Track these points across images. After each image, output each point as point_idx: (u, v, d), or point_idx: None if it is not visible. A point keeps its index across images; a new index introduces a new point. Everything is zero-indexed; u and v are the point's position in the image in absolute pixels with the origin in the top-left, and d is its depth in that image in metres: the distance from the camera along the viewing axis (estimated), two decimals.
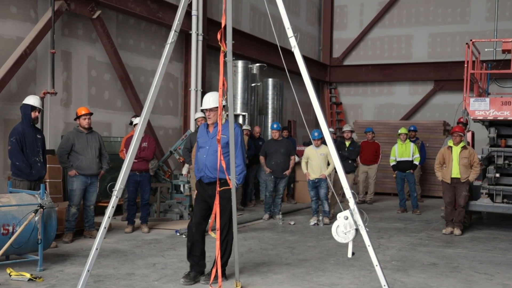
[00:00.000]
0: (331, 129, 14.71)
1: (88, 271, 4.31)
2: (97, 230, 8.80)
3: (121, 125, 12.52)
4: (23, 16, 10.12)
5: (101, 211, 10.43)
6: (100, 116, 11.62)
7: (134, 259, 7.42)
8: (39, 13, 10.38)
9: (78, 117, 8.89)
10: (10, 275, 6.22)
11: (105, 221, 4.48)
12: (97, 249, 4.36)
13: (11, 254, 6.79)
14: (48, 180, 9.58)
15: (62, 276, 6.41)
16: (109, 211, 4.55)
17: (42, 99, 9.91)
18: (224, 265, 6.17)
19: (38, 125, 8.78)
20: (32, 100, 8.02)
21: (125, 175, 4.62)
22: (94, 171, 8.82)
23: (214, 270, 5.54)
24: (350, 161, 12.35)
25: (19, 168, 7.81)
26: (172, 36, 4.86)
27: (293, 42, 4.61)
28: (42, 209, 6.62)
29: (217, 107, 5.87)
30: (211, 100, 6.18)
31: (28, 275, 6.15)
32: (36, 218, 6.56)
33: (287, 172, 11.52)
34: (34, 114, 8.01)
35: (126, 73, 12.33)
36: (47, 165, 8.56)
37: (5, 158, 9.56)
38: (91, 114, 8.97)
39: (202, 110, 6.34)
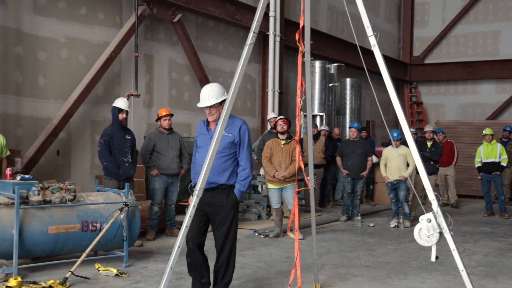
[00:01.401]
0: (412, 130, 14.37)
1: (171, 268, 4.43)
2: (178, 228, 9.09)
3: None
4: (109, 22, 10.56)
5: (181, 210, 10.68)
6: (180, 117, 11.93)
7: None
8: (123, 18, 10.80)
9: (159, 118, 9.16)
10: (99, 270, 6.52)
11: (187, 219, 4.59)
12: (179, 247, 4.47)
13: (99, 250, 7.09)
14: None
15: (146, 273, 6.63)
16: (190, 210, 4.65)
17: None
18: (226, 285, 5.44)
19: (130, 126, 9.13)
20: (119, 102, 8.39)
21: (206, 175, 4.71)
22: (174, 170, 9.06)
23: (293, 271, 5.52)
24: (432, 162, 12.03)
25: (107, 168, 8.19)
26: (251, 38, 4.91)
27: (372, 41, 4.56)
28: (127, 207, 6.87)
29: (219, 103, 5.26)
30: (210, 95, 5.30)
31: (114, 271, 6.41)
32: (122, 216, 6.81)
33: (364, 173, 11.36)
34: (121, 116, 8.36)
35: (205, 74, 12.58)
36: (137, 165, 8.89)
37: (93, 158, 10.02)
38: (171, 115, 9.22)
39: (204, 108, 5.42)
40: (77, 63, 9.98)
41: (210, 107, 5.28)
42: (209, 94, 5.29)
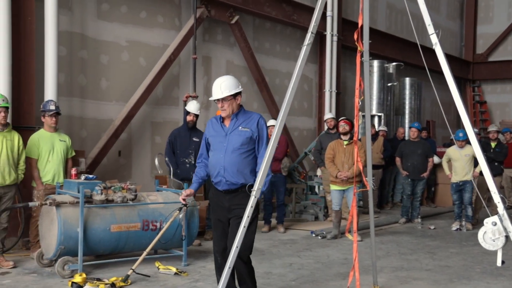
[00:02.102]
0: (475, 130, 13.95)
1: (230, 268, 4.47)
2: None
3: None
4: (169, 25, 10.75)
5: None
6: None
7: (271, 258, 7.59)
8: (182, 21, 10.97)
9: None
10: (159, 269, 6.65)
11: (245, 220, 4.61)
12: (237, 247, 4.50)
13: (159, 249, 7.23)
14: None
15: (204, 272, 6.71)
16: (248, 210, 4.68)
17: (184, 102, 10.46)
18: None
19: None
20: (190, 105, 8.57)
21: (263, 175, 4.74)
22: None
23: (352, 273, 5.45)
24: (496, 163, 11.65)
25: (170, 167, 8.36)
26: (308, 38, 4.90)
27: (434, 39, 4.46)
28: (185, 207, 6.96)
29: (232, 95, 4.87)
30: (223, 87, 4.88)
31: (174, 269, 6.53)
32: (180, 215, 6.92)
33: (425, 174, 11.12)
34: (188, 118, 8.54)
35: (262, 75, 12.63)
36: None
37: (153, 159, 10.20)
38: None
39: (214, 101, 5.00)
40: (138, 66, 10.21)
41: (222, 100, 4.86)
42: (222, 86, 4.88)
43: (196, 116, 8.67)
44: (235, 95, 4.88)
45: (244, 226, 4.51)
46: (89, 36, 9.43)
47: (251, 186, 4.67)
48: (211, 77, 11.73)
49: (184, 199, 5.08)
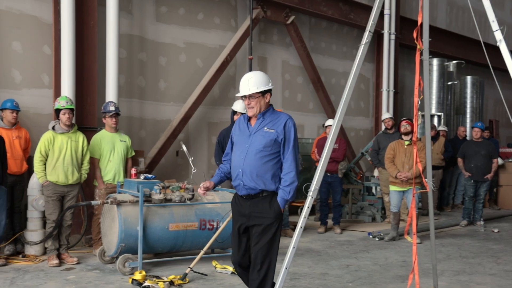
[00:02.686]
0: None
1: (286, 268, 4.47)
2: (291, 229, 9.18)
3: (313, 127, 12.80)
4: (225, 26, 10.86)
5: (293, 211, 10.78)
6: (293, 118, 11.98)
7: (327, 259, 7.54)
8: (238, 22, 11.05)
9: None
10: (216, 267, 6.71)
11: (301, 220, 4.60)
12: (294, 247, 4.50)
13: (216, 248, 7.31)
14: None
15: None
16: (305, 211, 4.66)
17: None
18: None
19: None
20: (236, 105, 8.59)
21: (320, 175, 4.71)
22: None
23: (411, 276, 5.34)
24: None
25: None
26: (366, 37, 4.85)
27: (498, 36, 4.33)
28: None
29: (260, 92, 4.49)
30: (251, 82, 4.50)
31: (231, 269, 6.54)
32: None
33: (489, 176, 10.79)
34: (235, 117, 8.54)
35: (318, 75, 12.58)
36: None
37: (210, 158, 10.35)
38: None
39: (241, 97, 4.65)
40: (195, 67, 10.36)
41: (249, 97, 4.48)
42: (250, 82, 4.50)
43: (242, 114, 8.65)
44: (264, 93, 4.50)
45: (301, 227, 4.50)
46: (148, 39, 9.63)
47: (307, 187, 4.64)
48: None
49: (204, 192, 4.66)
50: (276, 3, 11.38)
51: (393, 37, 13.69)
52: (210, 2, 10.59)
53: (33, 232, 7.48)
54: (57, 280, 6.21)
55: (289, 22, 11.73)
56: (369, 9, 4.94)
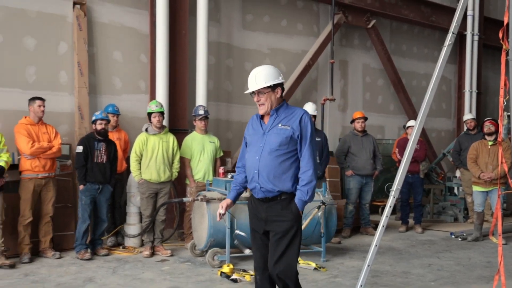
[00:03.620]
0: None
1: (369, 266, 4.40)
2: (372, 227, 9.02)
3: (394, 128, 12.53)
4: (307, 32, 10.84)
5: (375, 210, 10.59)
6: (373, 120, 11.80)
7: (409, 258, 7.35)
8: (320, 27, 11.01)
9: (353, 121, 9.16)
10: (299, 263, 6.68)
11: (383, 219, 4.53)
12: (376, 245, 4.43)
13: None
14: (328, 179, 10.05)
15: (342, 268, 6.66)
16: (387, 210, 4.58)
17: (322, 105, 10.49)
18: None
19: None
20: (307, 106, 8.53)
21: (402, 175, 4.61)
22: (368, 171, 8.98)
23: (496, 277, 5.08)
24: None
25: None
26: (449, 39, 4.69)
27: None
28: (324, 206, 6.99)
29: (270, 87, 3.92)
30: (258, 77, 3.94)
31: (313, 265, 6.54)
32: (319, 213, 6.94)
33: None
34: None
35: (399, 77, 12.30)
36: (328, 165, 8.96)
37: None
38: (365, 118, 9.16)
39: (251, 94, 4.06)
40: None
41: (258, 93, 3.93)
42: (257, 77, 3.95)
43: (314, 116, 8.56)
44: (274, 87, 3.93)
45: (383, 226, 4.41)
46: (234, 45, 9.79)
47: (389, 187, 4.47)
48: (347, 81, 11.65)
49: (224, 213, 4.11)
50: (357, 8, 11.24)
51: (476, 38, 13.15)
52: (293, 10, 10.61)
53: (132, 226, 7.78)
54: (153, 271, 6.41)
55: (370, 26, 11.55)
56: (450, 10, 4.81)
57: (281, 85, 3.94)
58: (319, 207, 6.92)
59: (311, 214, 6.87)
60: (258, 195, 3.94)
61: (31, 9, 7.58)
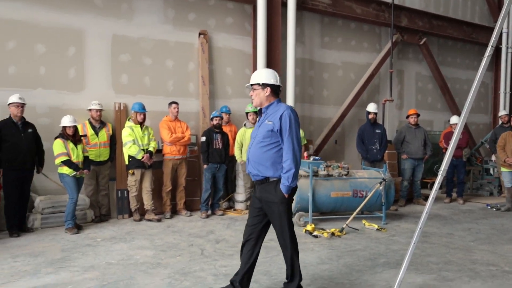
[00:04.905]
0: None
1: (421, 228, 4.26)
2: (423, 199, 8.68)
3: (440, 122, 11.92)
4: (371, 49, 10.55)
5: (424, 185, 10.19)
6: (424, 115, 11.31)
7: (452, 223, 7.03)
8: (382, 45, 10.66)
9: (408, 116, 8.84)
10: (364, 225, 6.63)
11: (433, 192, 4.35)
12: (427, 212, 4.27)
13: (364, 211, 7.20)
14: (387, 162, 9.78)
15: (399, 229, 6.51)
16: (436, 185, 4.38)
17: (383, 105, 10.19)
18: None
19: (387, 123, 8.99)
20: (369, 106, 8.32)
21: (449, 158, 4.41)
22: (420, 155, 8.65)
23: None
24: None
25: (361, 154, 8.23)
26: (489, 51, 4.40)
27: None
28: (384, 182, 6.84)
29: (260, 84, 3.56)
30: (254, 76, 3.63)
31: (376, 226, 6.44)
32: (381, 187, 6.81)
33: None
34: (370, 116, 8.26)
35: (445, 82, 11.66)
36: (386, 151, 8.73)
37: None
38: (418, 114, 8.80)
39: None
40: (349, 80, 10.23)
41: (252, 88, 3.61)
42: (254, 76, 3.64)
43: (375, 113, 8.31)
44: (264, 87, 3.57)
45: (433, 197, 4.26)
46: (315, 60, 9.72)
47: (438, 167, 4.26)
48: (403, 85, 11.22)
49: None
50: (411, 29, 10.77)
51: (510, 50, 12.16)
52: (360, 32, 10.35)
53: (239, 194, 7.97)
54: None
55: (421, 43, 11.02)
56: (487, 29, 4.47)
57: (272, 86, 3.55)
58: (380, 183, 6.79)
59: (374, 188, 6.75)
60: (252, 178, 3.64)
61: (171, 39, 7.96)
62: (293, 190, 3.51)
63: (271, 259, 4.86)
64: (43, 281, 4.10)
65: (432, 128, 11.67)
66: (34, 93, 6.77)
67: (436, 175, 8.78)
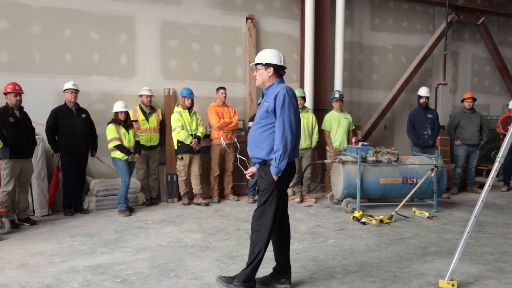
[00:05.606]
0: None
1: (475, 217, 4.10)
2: (477, 187, 8.33)
3: (498, 107, 11.31)
4: (424, 30, 10.13)
5: (479, 173, 9.75)
6: (480, 100, 10.78)
7: (509, 212, 6.70)
8: (436, 26, 10.22)
9: (463, 100, 8.45)
10: (415, 212, 6.46)
11: (490, 180, 4.16)
12: (482, 201, 4.11)
13: (414, 198, 7.01)
14: (439, 148, 9.44)
15: (451, 218, 6.30)
16: (493, 172, 4.20)
17: (435, 89, 9.81)
18: (245, 275, 3.45)
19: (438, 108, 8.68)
20: (421, 90, 8.02)
21: (507, 145, 4.20)
22: (475, 141, 8.27)
23: None
24: None
25: (411, 139, 7.98)
26: None
27: None
28: (436, 168, 6.62)
29: (263, 64, 3.44)
30: (257, 56, 3.52)
31: (427, 214, 6.27)
32: (432, 174, 6.60)
33: None
34: (422, 100, 7.92)
35: (504, 64, 11.02)
36: (438, 137, 8.42)
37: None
38: (474, 99, 8.40)
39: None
40: (399, 63, 9.90)
41: (256, 68, 3.49)
42: (258, 55, 3.52)
43: (427, 97, 7.96)
44: (267, 67, 3.45)
45: (489, 185, 4.08)
46: (365, 43, 9.48)
47: (496, 154, 4.04)
48: (458, 68, 10.72)
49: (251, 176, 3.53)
50: (468, 8, 10.22)
51: None
52: (413, 13, 9.96)
53: None
54: (302, 213, 6.58)
55: (479, 22, 10.45)
56: None
57: (275, 66, 3.43)
58: (432, 169, 6.57)
59: (425, 175, 6.55)
60: (252, 161, 3.51)
61: (218, 24, 8.02)
62: (286, 174, 3.36)
63: (318, 245, 4.86)
64: (98, 260, 4.32)
65: (489, 113, 11.11)
66: (89, 79, 7.06)
67: (492, 162, 8.37)
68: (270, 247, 3.63)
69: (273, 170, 3.30)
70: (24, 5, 6.64)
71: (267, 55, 3.48)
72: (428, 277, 3.90)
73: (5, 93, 5.65)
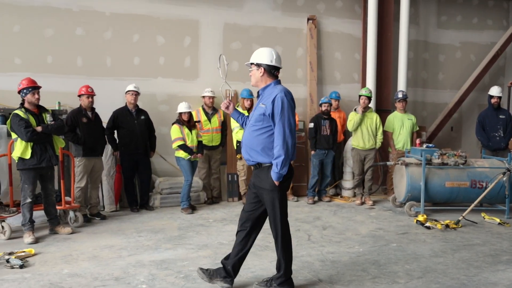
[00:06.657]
0: None
1: None
2: None
3: None
4: (496, 26, 9.58)
5: None
6: None
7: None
8: (510, 21, 9.62)
9: None
10: (484, 218, 6.14)
11: None
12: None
13: (484, 203, 6.68)
14: None
15: None
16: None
17: (508, 88, 9.23)
18: (281, 282, 3.52)
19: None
20: (492, 89, 7.56)
21: None
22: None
23: None
24: None
25: (481, 141, 7.54)
26: None
27: None
28: (508, 172, 6.25)
29: (257, 64, 3.36)
30: (252, 55, 3.43)
31: (498, 220, 5.95)
32: (504, 178, 6.24)
33: None
34: (493, 100, 7.48)
35: None
36: (511, 139, 7.90)
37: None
38: None
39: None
40: (468, 61, 9.43)
41: (250, 67, 3.43)
42: (252, 55, 3.44)
43: (499, 97, 7.46)
44: (258, 67, 3.38)
45: None
46: (430, 42, 9.14)
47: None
48: None
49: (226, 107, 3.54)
50: None
51: None
52: (484, 8, 9.44)
53: (347, 181, 7.90)
54: (363, 215, 6.49)
55: None
56: None
57: (265, 66, 3.36)
58: (504, 173, 6.21)
59: (496, 179, 6.20)
60: (246, 163, 3.50)
61: (279, 26, 8.08)
62: (287, 177, 3.34)
63: (379, 248, 4.77)
64: (163, 256, 4.52)
65: None
66: (154, 81, 7.39)
67: None
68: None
69: (274, 176, 3.29)
70: (98, 13, 7.08)
71: (259, 55, 3.40)
72: (499, 287, 3.71)
73: (79, 95, 6.06)
